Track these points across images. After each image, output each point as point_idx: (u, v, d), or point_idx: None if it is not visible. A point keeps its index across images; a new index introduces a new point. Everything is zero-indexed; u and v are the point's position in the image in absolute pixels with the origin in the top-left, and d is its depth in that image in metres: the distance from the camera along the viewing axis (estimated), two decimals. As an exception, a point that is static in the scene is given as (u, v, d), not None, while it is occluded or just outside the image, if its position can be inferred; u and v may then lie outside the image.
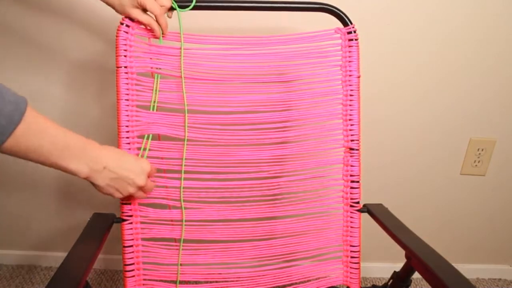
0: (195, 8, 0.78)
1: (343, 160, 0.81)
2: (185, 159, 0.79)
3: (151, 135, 0.77)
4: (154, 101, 0.77)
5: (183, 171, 0.78)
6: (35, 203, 1.26)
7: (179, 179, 0.79)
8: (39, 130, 0.52)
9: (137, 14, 0.73)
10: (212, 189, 0.81)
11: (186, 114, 0.78)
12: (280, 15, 1.05)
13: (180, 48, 0.78)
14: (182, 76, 0.78)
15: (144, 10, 0.74)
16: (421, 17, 1.08)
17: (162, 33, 0.76)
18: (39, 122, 0.52)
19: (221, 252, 0.81)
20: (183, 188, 0.79)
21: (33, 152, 0.52)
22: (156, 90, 0.77)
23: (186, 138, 0.78)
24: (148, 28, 0.76)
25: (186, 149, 0.79)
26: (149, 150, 0.76)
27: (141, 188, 0.67)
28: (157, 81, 0.77)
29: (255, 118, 0.81)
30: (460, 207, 1.30)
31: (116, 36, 0.73)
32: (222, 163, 0.80)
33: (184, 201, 0.79)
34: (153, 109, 0.77)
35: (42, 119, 0.52)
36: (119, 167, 0.62)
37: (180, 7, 0.77)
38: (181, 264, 0.79)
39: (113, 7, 0.74)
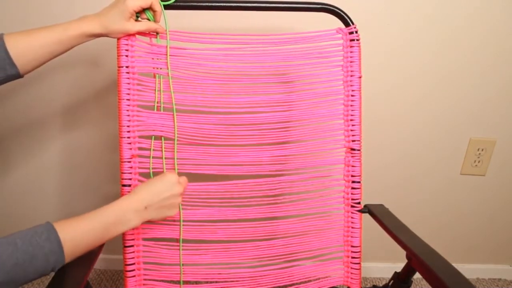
0: (194, 8, 0.78)
1: (344, 160, 0.81)
2: (186, 159, 0.79)
3: (153, 137, 0.77)
4: (158, 102, 0.77)
5: (176, 170, 0.78)
6: (35, 203, 1.26)
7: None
8: (77, 235, 0.57)
9: (132, 26, 0.70)
10: (213, 189, 0.81)
11: (175, 113, 0.77)
12: (280, 15, 1.04)
13: (182, 48, 0.78)
14: (169, 74, 0.77)
15: (134, 16, 0.71)
16: (421, 18, 1.08)
17: (159, 32, 0.75)
18: (72, 230, 0.57)
19: (222, 252, 0.81)
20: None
21: (88, 246, 0.59)
22: (160, 90, 0.77)
23: (176, 137, 0.78)
24: (147, 32, 0.75)
25: (187, 150, 0.79)
26: (148, 150, 0.76)
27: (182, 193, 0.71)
28: (160, 82, 0.77)
29: (257, 118, 0.81)
30: (460, 207, 1.30)
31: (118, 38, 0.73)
32: (222, 163, 0.80)
33: (184, 201, 0.79)
34: (157, 110, 0.77)
35: (73, 225, 0.57)
36: (155, 196, 0.66)
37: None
38: (182, 264, 0.79)
39: (107, 36, 0.70)
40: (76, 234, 0.56)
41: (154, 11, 0.73)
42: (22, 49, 0.62)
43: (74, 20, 0.67)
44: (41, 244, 0.52)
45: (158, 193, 0.66)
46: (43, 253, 0.52)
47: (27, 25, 0.67)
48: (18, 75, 0.64)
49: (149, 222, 0.72)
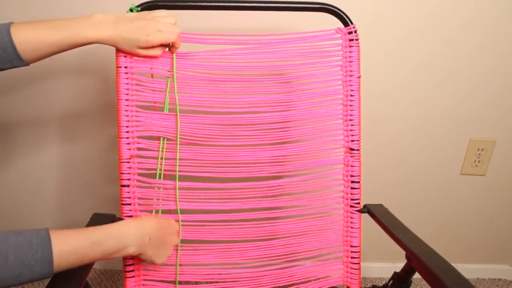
0: (192, 7, 0.78)
1: (343, 160, 0.81)
2: (185, 160, 0.79)
3: (162, 138, 0.77)
4: (159, 102, 0.77)
5: (177, 171, 0.78)
6: (35, 204, 1.26)
7: (175, 179, 0.79)
8: (72, 252, 0.55)
9: (144, 52, 0.71)
10: (213, 189, 0.80)
11: (178, 114, 0.77)
12: (280, 15, 1.04)
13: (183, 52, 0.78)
14: (175, 76, 0.77)
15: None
16: (421, 17, 1.08)
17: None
18: (68, 246, 0.54)
19: (223, 252, 0.81)
20: (184, 189, 0.79)
21: (80, 264, 0.56)
22: (166, 92, 0.77)
23: (178, 138, 0.78)
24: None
25: (187, 150, 0.79)
26: (147, 150, 0.77)
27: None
28: (167, 83, 0.77)
29: (256, 119, 0.81)
30: (460, 207, 1.30)
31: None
32: (222, 163, 0.80)
33: (184, 202, 0.79)
34: (154, 109, 0.77)
35: (71, 239, 0.55)
36: (160, 230, 0.67)
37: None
38: (182, 265, 0.79)
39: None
40: (71, 250, 0.54)
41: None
42: (31, 47, 0.62)
43: (87, 25, 0.65)
44: (32, 264, 0.49)
45: (162, 228, 0.68)
46: (32, 272, 0.50)
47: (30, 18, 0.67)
48: (24, 65, 0.64)
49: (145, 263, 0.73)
